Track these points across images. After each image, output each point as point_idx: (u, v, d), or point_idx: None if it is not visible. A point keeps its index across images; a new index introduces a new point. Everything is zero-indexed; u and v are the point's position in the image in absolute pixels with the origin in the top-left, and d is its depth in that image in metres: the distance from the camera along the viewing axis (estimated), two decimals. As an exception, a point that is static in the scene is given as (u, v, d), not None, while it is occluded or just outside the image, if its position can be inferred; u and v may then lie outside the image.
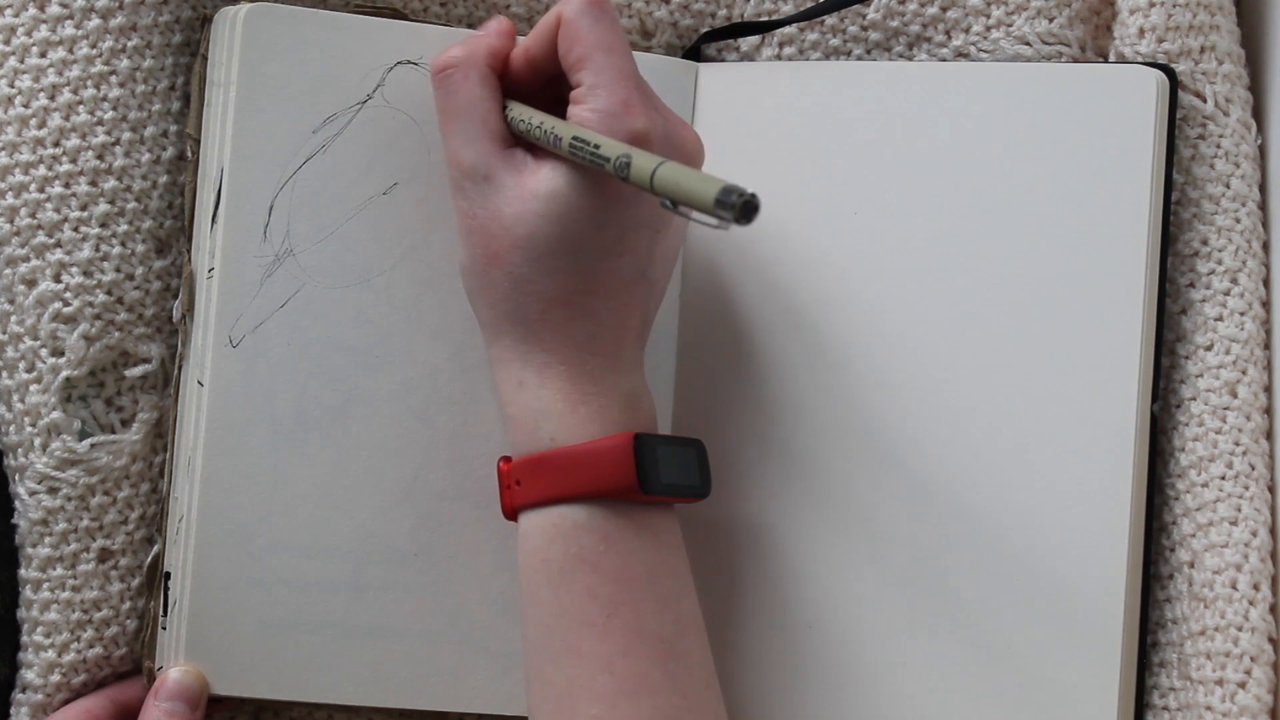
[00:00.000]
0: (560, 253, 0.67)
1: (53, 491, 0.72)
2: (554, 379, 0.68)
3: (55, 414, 0.72)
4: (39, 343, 0.72)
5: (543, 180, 0.66)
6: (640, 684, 0.66)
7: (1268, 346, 0.74)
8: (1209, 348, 0.74)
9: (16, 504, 0.73)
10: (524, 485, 0.68)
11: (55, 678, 0.72)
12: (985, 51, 0.77)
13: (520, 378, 0.68)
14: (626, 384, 0.69)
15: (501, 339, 0.69)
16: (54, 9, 0.72)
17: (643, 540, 0.67)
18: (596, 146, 0.64)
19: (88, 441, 0.72)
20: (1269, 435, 0.73)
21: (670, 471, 0.68)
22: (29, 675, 0.73)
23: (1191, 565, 0.72)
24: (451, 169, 0.69)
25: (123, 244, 0.73)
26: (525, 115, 0.68)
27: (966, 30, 0.77)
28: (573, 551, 0.67)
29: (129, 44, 0.73)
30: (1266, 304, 0.74)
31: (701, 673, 0.68)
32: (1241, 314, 0.74)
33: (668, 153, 0.66)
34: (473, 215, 0.68)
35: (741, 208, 0.58)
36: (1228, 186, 0.75)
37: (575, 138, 0.65)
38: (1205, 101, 0.75)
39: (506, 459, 0.69)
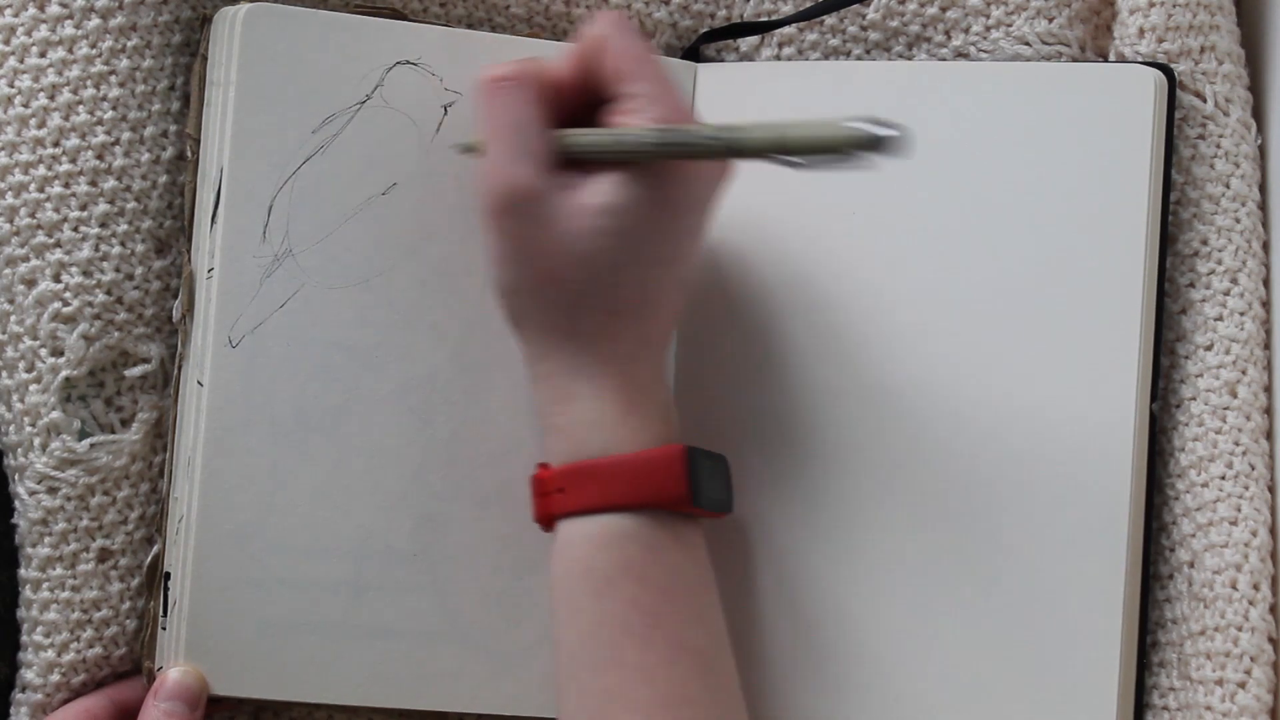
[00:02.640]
0: (619, 265, 0.67)
1: (52, 491, 0.72)
2: (607, 390, 0.68)
3: (55, 414, 0.72)
4: (38, 342, 0.72)
5: (598, 194, 0.66)
6: (681, 695, 0.66)
7: (1268, 346, 0.74)
8: (1209, 348, 0.74)
9: (16, 504, 0.73)
10: (568, 493, 0.68)
11: (55, 677, 0.72)
12: (985, 51, 0.77)
13: (570, 390, 0.68)
14: (665, 394, 0.69)
15: (551, 356, 0.69)
16: (54, 9, 0.72)
17: (684, 554, 0.68)
18: (690, 130, 0.65)
19: (87, 441, 0.72)
20: (1269, 435, 0.73)
21: (711, 485, 0.69)
22: (28, 675, 0.73)
23: (1191, 565, 0.72)
24: (496, 189, 0.67)
25: (122, 244, 0.73)
26: (578, 134, 0.68)
27: (966, 30, 0.77)
28: (618, 560, 0.67)
29: (129, 44, 0.73)
30: (1266, 304, 0.74)
31: (733, 686, 0.68)
32: (1241, 314, 0.74)
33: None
34: (521, 236, 0.67)
35: (880, 140, 0.59)
36: (1228, 186, 0.75)
37: (662, 129, 0.65)
38: (1205, 101, 0.75)
39: (545, 465, 0.69)
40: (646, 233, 0.67)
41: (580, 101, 0.69)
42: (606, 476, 0.67)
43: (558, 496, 0.68)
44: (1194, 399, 0.73)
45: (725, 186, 0.69)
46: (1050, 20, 0.77)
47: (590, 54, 0.68)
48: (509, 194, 0.67)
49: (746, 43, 0.79)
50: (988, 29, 0.77)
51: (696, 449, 0.68)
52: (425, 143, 0.74)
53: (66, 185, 0.72)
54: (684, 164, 0.67)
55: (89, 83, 0.72)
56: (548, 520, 0.69)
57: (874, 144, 0.59)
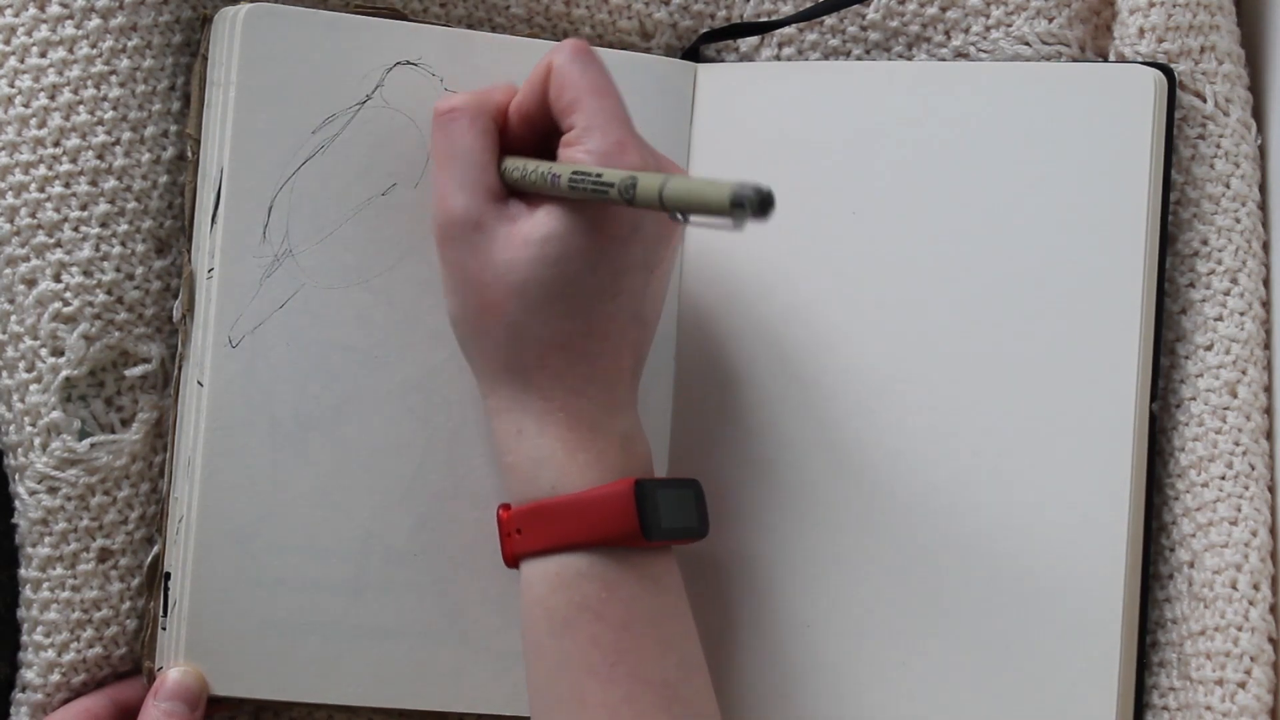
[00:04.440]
0: (556, 297, 0.66)
1: (53, 491, 0.72)
2: (552, 425, 0.68)
3: (55, 414, 0.72)
4: (39, 342, 0.72)
5: (537, 225, 0.66)
6: None
7: (1268, 346, 0.74)
8: (1209, 348, 0.74)
9: (16, 504, 0.73)
10: (524, 534, 0.68)
11: (55, 677, 0.72)
12: (985, 51, 0.77)
13: (519, 426, 0.68)
14: (622, 427, 0.69)
15: (499, 389, 0.69)
16: (54, 9, 0.72)
17: (644, 586, 0.67)
18: (599, 175, 0.64)
19: (88, 441, 0.72)
20: (1269, 435, 0.73)
21: (670, 515, 0.68)
22: (29, 675, 0.73)
23: (1191, 565, 0.72)
24: (440, 218, 0.69)
25: (123, 244, 0.73)
26: (520, 164, 0.68)
27: (966, 30, 0.77)
28: (575, 600, 0.67)
29: (129, 44, 0.73)
30: (1266, 304, 0.74)
31: (706, 712, 0.68)
32: (1241, 314, 0.74)
33: None
34: (463, 265, 0.68)
35: (759, 203, 0.58)
36: (1228, 186, 0.75)
37: (575, 172, 0.65)
38: (1205, 101, 0.75)
39: (506, 506, 0.69)
40: (586, 265, 0.66)
41: (546, 126, 0.69)
42: (557, 516, 0.67)
43: (517, 537, 0.68)
44: (1194, 399, 0.73)
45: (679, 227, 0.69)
46: (1050, 20, 0.77)
47: (544, 83, 0.68)
48: (450, 223, 0.68)
49: (746, 43, 0.79)
50: (988, 29, 0.77)
51: (652, 480, 0.68)
52: (425, 143, 0.74)
53: (67, 185, 0.72)
54: None
55: (89, 83, 0.72)
56: (512, 561, 0.69)
57: (750, 206, 0.58)
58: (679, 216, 0.61)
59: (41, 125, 0.72)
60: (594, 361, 0.68)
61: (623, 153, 0.66)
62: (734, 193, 0.58)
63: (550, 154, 0.68)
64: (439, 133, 0.69)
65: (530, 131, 0.70)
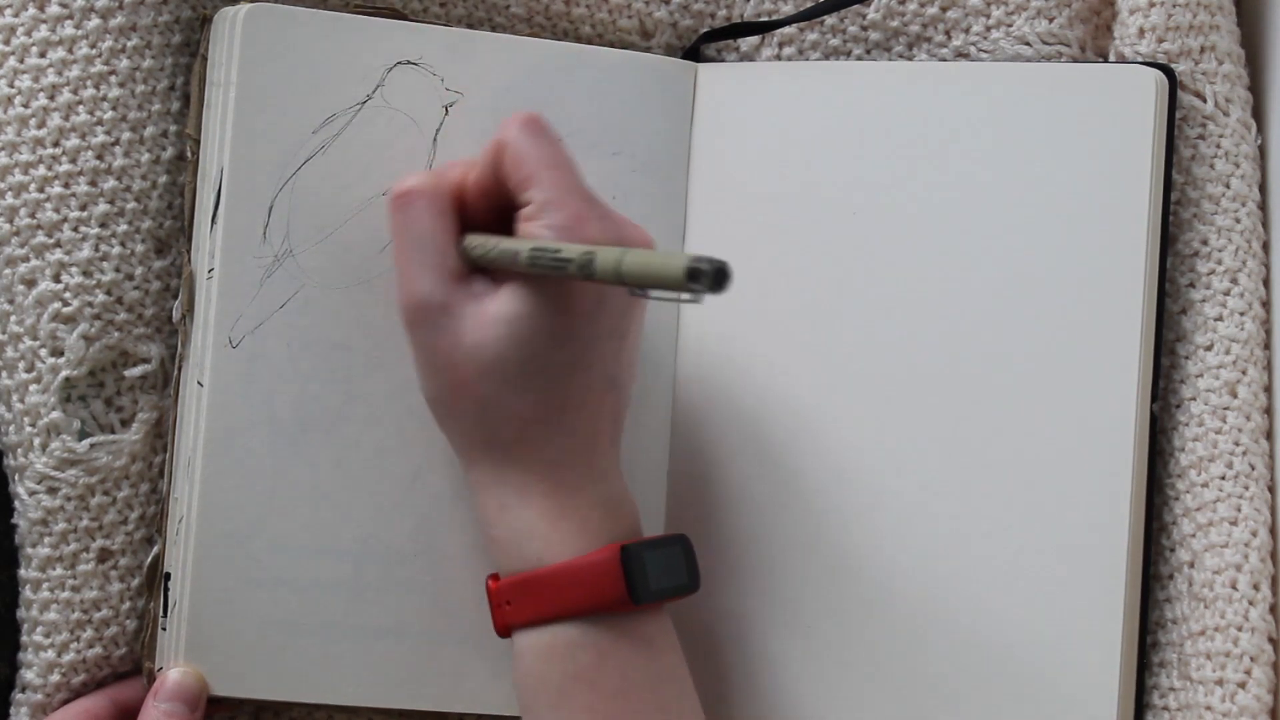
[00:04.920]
0: (528, 374, 0.66)
1: (52, 491, 0.72)
2: (535, 497, 0.67)
3: (55, 414, 0.72)
4: (38, 343, 0.72)
5: (503, 303, 0.66)
6: None
7: (1268, 346, 0.74)
8: (1209, 348, 0.74)
9: (16, 504, 0.73)
10: (514, 605, 0.67)
11: (55, 678, 0.72)
12: (985, 51, 0.77)
13: (501, 500, 0.68)
14: (605, 491, 0.68)
15: (478, 464, 0.69)
16: (54, 9, 0.72)
17: (638, 651, 0.67)
18: (557, 251, 0.63)
19: (87, 441, 0.72)
20: (1269, 435, 0.73)
21: (659, 576, 0.68)
22: (28, 675, 0.73)
23: (1191, 565, 0.72)
24: (405, 302, 0.68)
25: (122, 244, 0.73)
26: (480, 241, 0.67)
27: (966, 30, 0.77)
28: (569, 670, 0.67)
29: (129, 44, 0.73)
30: (1266, 304, 0.74)
31: None
32: (1241, 314, 0.74)
33: None
34: (433, 348, 0.68)
35: (714, 276, 0.58)
36: (1228, 186, 0.75)
37: (534, 248, 0.64)
38: (1205, 101, 0.75)
39: (495, 577, 0.69)
40: (554, 341, 0.66)
41: (504, 202, 0.69)
42: (545, 588, 0.67)
43: (507, 609, 0.68)
44: (1194, 399, 0.73)
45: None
46: (1050, 20, 0.77)
47: (496, 159, 0.68)
48: (416, 307, 0.68)
49: (747, 43, 0.79)
50: (988, 29, 0.77)
51: (639, 543, 0.68)
52: (426, 143, 0.74)
53: (66, 185, 0.72)
54: None
55: (89, 83, 0.72)
56: (505, 631, 0.69)
57: (705, 280, 0.58)
58: (637, 291, 0.61)
59: (41, 125, 0.72)
60: (571, 432, 0.67)
61: (581, 225, 0.66)
62: (689, 266, 0.58)
63: (511, 227, 0.68)
64: (397, 216, 0.69)
65: (489, 206, 0.69)
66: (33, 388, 0.72)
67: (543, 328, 0.66)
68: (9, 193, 0.72)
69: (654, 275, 0.60)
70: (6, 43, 0.72)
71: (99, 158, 0.72)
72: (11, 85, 0.72)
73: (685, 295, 0.59)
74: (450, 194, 0.69)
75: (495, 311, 0.66)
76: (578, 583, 0.66)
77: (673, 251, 0.59)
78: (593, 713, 0.66)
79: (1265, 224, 0.75)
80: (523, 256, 0.65)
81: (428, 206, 0.68)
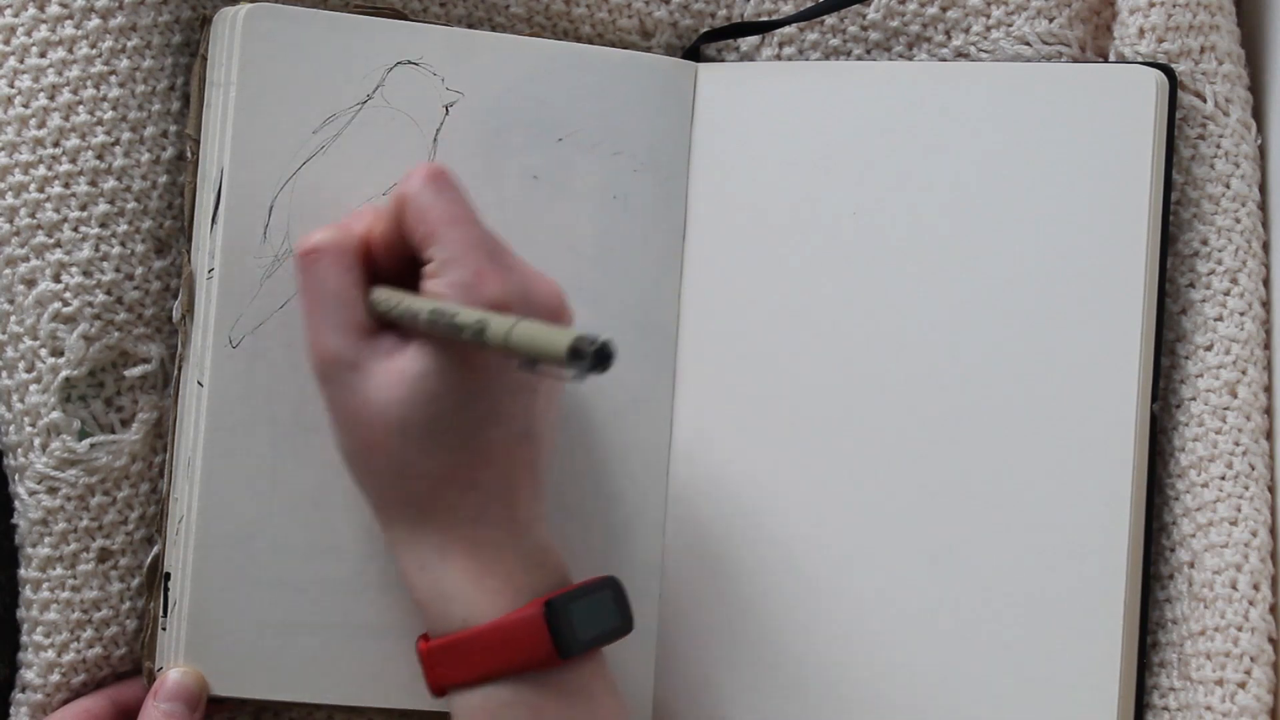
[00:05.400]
0: (437, 432, 0.65)
1: (52, 491, 0.72)
2: (454, 556, 0.67)
3: (55, 414, 0.72)
4: (38, 343, 0.72)
5: (409, 361, 0.65)
6: None
7: (1268, 346, 0.74)
8: (1209, 348, 0.74)
9: (16, 504, 0.73)
10: (445, 666, 0.67)
11: (55, 678, 0.72)
12: (985, 51, 0.77)
13: (420, 561, 0.67)
14: (527, 545, 0.67)
15: (395, 524, 0.68)
16: (54, 9, 0.72)
17: (575, 704, 0.67)
18: (454, 316, 0.63)
19: (87, 441, 0.72)
20: (1269, 435, 0.73)
21: (587, 625, 0.67)
22: (28, 675, 0.73)
23: (1191, 565, 0.72)
24: (314, 358, 0.68)
25: (122, 244, 0.73)
26: (385, 297, 0.67)
27: (966, 30, 0.77)
28: None
29: (129, 44, 0.73)
30: (1266, 304, 0.74)
31: None
32: (1241, 314, 0.74)
33: (526, 313, 0.64)
34: (343, 405, 0.67)
35: (594, 356, 0.57)
36: (1228, 186, 0.75)
37: (432, 310, 0.64)
38: (1205, 101, 0.75)
39: (425, 638, 0.68)
40: (461, 399, 0.65)
41: (410, 253, 0.68)
42: (473, 649, 0.66)
43: (439, 670, 0.67)
44: (1194, 399, 0.73)
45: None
46: (1050, 20, 0.77)
47: (398, 215, 0.67)
48: (325, 364, 0.67)
49: (747, 42, 0.79)
50: (988, 29, 0.77)
51: (564, 595, 0.67)
52: (426, 143, 0.74)
53: (66, 185, 0.72)
54: None
55: (89, 83, 0.72)
56: (439, 691, 0.68)
57: (587, 358, 0.57)
58: (525, 365, 0.60)
59: (41, 125, 0.72)
60: (487, 489, 0.67)
61: (482, 284, 0.65)
62: (572, 345, 0.58)
63: (417, 280, 0.67)
64: (304, 274, 0.68)
65: (395, 260, 0.68)
66: (33, 388, 0.72)
67: (449, 385, 0.65)
68: (9, 193, 0.72)
69: (539, 349, 0.59)
70: (6, 43, 0.72)
71: (99, 158, 0.72)
72: (11, 85, 0.72)
73: (570, 372, 0.58)
74: (355, 249, 0.68)
75: (401, 369, 0.65)
76: (504, 643, 0.66)
77: (562, 329, 0.59)
78: None
79: (1265, 224, 0.75)
80: (423, 318, 0.64)
81: (333, 263, 0.67)
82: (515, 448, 0.67)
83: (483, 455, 0.66)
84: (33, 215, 0.72)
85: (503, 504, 0.67)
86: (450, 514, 0.67)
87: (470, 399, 0.66)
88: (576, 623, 0.66)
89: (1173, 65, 0.74)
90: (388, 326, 0.67)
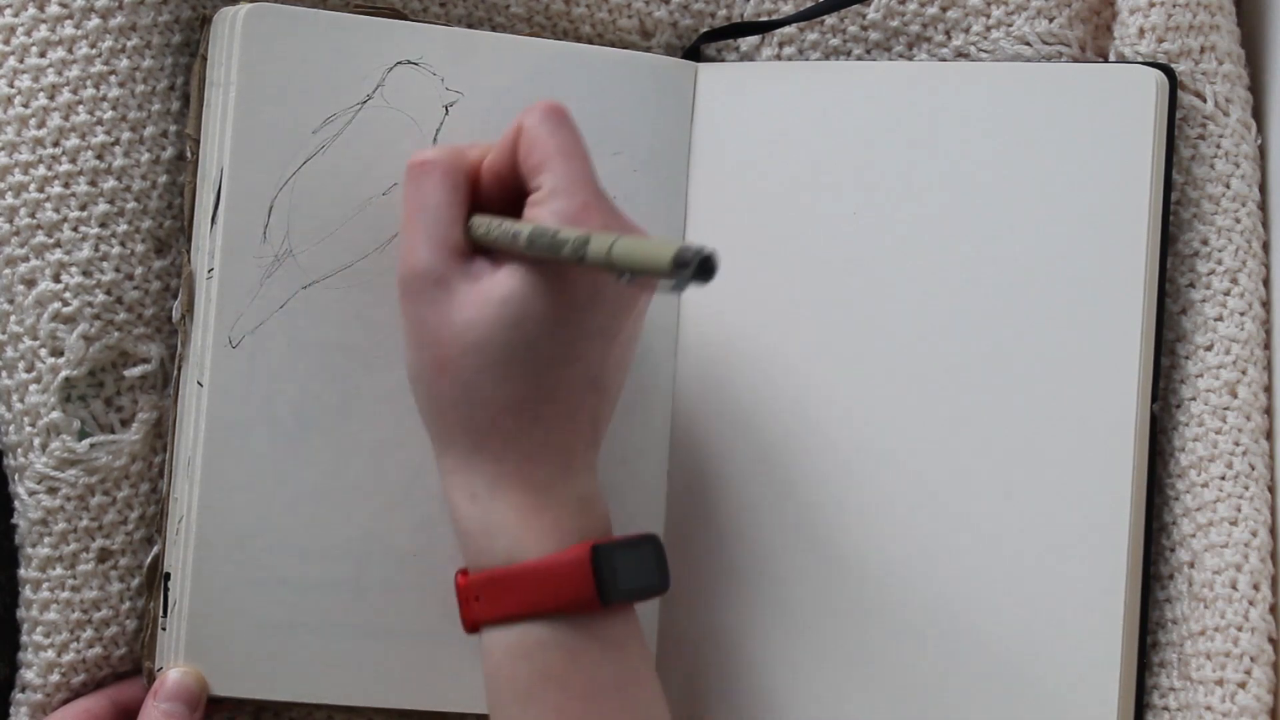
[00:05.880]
0: (512, 360, 0.66)
1: (52, 491, 0.72)
2: (506, 490, 0.67)
3: (55, 414, 0.72)
4: (38, 343, 0.72)
5: (499, 284, 0.66)
6: None
7: (1268, 346, 0.74)
8: (1209, 348, 0.74)
9: (16, 504, 0.73)
10: (483, 602, 0.67)
11: (54, 678, 0.72)
12: (985, 51, 0.77)
13: (471, 490, 0.67)
14: (578, 490, 0.68)
15: (451, 450, 0.68)
16: (54, 9, 0.72)
17: (608, 652, 0.67)
18: (555, 233, 0.63)
19: (87, 441, 0.72)
20: (1269, 435, 0.73)
21: (629, 576, 0.67)
22: (28, 675, 0.73)
23: (1191, 565, 0.72)
24: (403, 271, 0.68)
25: (122, 244, 0.73)
26: (485, 221, 0.67)
27: (966, 30, 0.77)
28: (538, 669, 0.66)
29: (128, 44, 0.73)
30: (1266, 304, 0.74)
31: None
32: (1241, 314, 0.74)
33: None
34: (422, 320, 0.67)
35: (699, 265, 0.58)
36: (1228, 186, 0.75)
37: (534, 229, 0.64)
38: (1205, 101, 0.75)
39: (464, 572, 0.68)
40: (543, 328, 0.66)
41: (518, 186, 0.69)
42: (515, 586, 0.66)
43: (476, 605, 0.67)
44: (1194, 399, 0.74)
45: (645, 292, 0.68)
46: (1050, 20, 0.77)
47: (514, 143, 0.68)
48: (413, 276, 0.67)
49: (747, 42, 0.79)
50: (988, 29, 0.77)
51: (609, 543, 0.67)
52: (426, 143, 0.74)
53: (66, 185, 0.72)
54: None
55: (89, 83, 0.72)
56: (473, 627, 0.68)
57: (692, 268, 0.57)
58: (626, 277, 0.60)
59: (41, 125, 0.72)
60: (548, 426, 0.67)
61: (587, 215, 0.66)
62: (677, 254, 0.58)
63: (521, 214, 0.68)
64: (410, 185, 0.69)
65: (502, 190, 0.69)
66: (33, 388, 0.72)
67: (534, 312, 0.65)
68: (9, 193, 0.72)
69: (642, 261, 0.59)
70: (6, 43, 0.72)
71: (99, 158, 0.72)
72: (11, 85, 0.72)
73: (671, 283, 0.59)
74: (466, 170, 0.69)
75: (488, 291, 0.66)
76: (547, 582, 0.66)
77: (665, 239, 0.59)
78: (561, 713, 0.66)
79: (1265, 224, 0.75)
80: (522, 237, 0.65)
81: (441, 179, 0.68)
82: (583, 392, 0.67)
83: (550, 392, 0.67)
84: (32, 215, 0.72)
85: (560, 446, 0.67)
86: (507, 447, 0.67)
87: (550, 332, 0.66)
88: (620, 572, 0.67)
89: (1173, 65, 0.74)
90: (482, 253, 0.67)
